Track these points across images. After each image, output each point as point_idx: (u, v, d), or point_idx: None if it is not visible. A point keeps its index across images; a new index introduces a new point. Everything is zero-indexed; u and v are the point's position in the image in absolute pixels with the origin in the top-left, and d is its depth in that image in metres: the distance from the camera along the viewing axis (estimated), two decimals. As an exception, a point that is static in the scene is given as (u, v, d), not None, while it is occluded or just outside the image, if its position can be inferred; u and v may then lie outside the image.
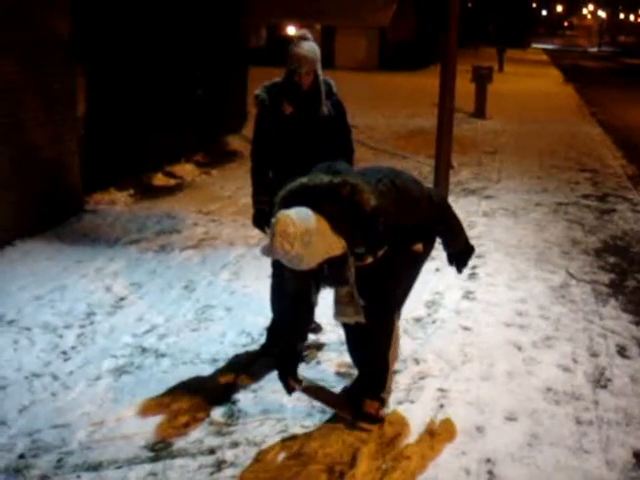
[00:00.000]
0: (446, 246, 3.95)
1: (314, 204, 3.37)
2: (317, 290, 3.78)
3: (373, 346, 3.96)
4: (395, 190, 3.57)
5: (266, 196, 4.52)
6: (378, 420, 3.99)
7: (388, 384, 4.06)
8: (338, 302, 3.72)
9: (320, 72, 4.63)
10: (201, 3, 10.87)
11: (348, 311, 3.70)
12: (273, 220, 3.34)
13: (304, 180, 3.50)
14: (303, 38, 4.61)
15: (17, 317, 5.28)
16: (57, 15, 7.38)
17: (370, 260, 3.60)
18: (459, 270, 4.03)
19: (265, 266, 5.72)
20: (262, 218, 4.60)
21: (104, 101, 8.63)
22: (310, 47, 4.58)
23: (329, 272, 3.48)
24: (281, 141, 4.66)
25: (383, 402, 4.03)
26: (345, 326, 4.10)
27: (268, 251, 3.38)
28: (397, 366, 4.60)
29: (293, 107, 4.61)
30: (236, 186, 9.39)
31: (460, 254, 3.97)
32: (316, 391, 4.19)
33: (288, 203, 3.42)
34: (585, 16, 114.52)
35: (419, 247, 3.83)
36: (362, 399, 4.02)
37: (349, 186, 3.43)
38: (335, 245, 3.37)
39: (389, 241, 3.58)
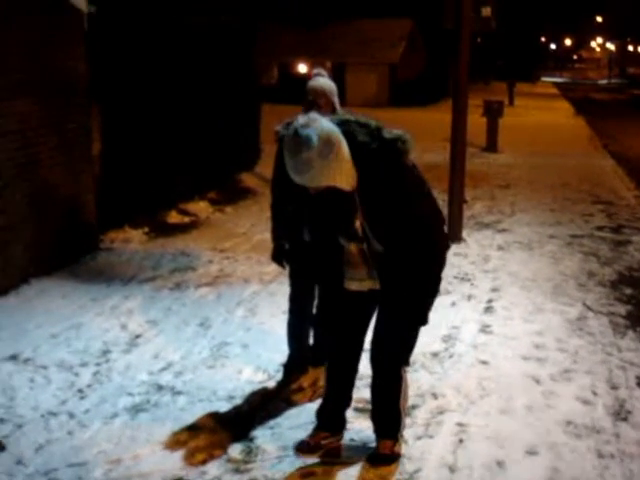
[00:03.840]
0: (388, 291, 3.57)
1: (349, 135, 3.28)
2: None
3: (384, 397, 3.89)
4: (418, 174, 3.49)
5: (286, 231, 4.57)
6: (395, 458, 3.94)
7: (402, 425, 3.99)
8: (348, 263, 3.57)
9: (338, 107, 4.71)
10: (214, 43, 11.00)
11: (359, 273, 3.55)
12: (300, 118, 3.25)
13: (348, 115, 3.44)
14: (319, 75, 4.76)
15: (33, 355, 5.28)
16: (73, 55, 7.48)
17: (354, 249, 3.51)
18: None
19: (281, 303, 5.72)
20: (281, 253, 4.63)
21: (119, 140, 8.71)
22: (325, 81, 4.73)
23: (331, 207, 3.39)
24: None
25: (397, 439, 3.97)
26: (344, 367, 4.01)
27: (287, 142, 3.23)
28: (415, 401, 4.59)
29: None
30: (250, 223, 9.42)
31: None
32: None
33: None
34: (594, 49, 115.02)
35: None
36: (377, 440, 3.98)
37: (396, 134, 3.36)
38: (346, 178, 3.28)
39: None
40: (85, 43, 7.64)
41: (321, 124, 3.22)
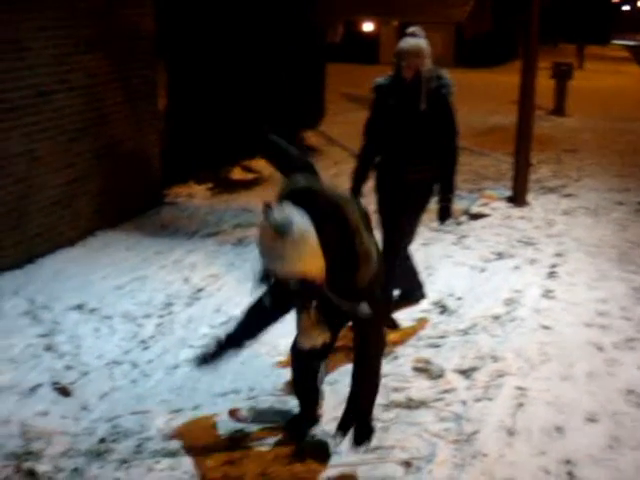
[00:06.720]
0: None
1: (314, 212, 3.14)
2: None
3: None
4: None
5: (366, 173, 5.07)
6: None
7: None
8: (301, 328, 3.56)
9: (426, 68, 4.72)
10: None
11: (311, 335, 3.52)
12: (276, 208, 3.11)
13: (308, 183, 3.33)
14: (412, 34, 4.76)
15: (99, 306, 5.39)
16: (140, 11, 7.52)
17: (305, 317, 3.47)
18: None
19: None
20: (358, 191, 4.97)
21: (184, 96, 8.75)
22: (414, 43, 4.74)
23: (295, 293, 3.30)
24: (386, 129, 4.95)
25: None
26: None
27: (263, 228, 3.09)
28: (475, 363, 4.59)
29: (395, 99, 4.76)
30: (312, 181, 9.39)
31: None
32: (262, 415, 4.08)
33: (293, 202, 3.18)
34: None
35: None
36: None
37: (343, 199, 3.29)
38: (316, 267, 3.11)
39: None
40: (153, -2, 7.68)
41: (295, 217, 3.05)
